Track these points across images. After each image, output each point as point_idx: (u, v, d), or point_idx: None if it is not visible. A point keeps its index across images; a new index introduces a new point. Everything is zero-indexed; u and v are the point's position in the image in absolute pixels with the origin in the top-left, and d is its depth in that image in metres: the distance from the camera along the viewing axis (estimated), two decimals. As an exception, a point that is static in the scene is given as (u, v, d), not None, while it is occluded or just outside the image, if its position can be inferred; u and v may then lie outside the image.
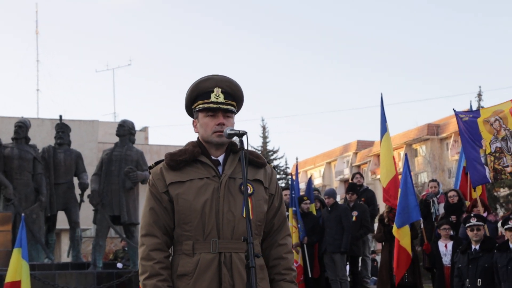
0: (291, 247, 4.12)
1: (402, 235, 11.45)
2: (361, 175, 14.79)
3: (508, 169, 10.77)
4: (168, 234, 3.93)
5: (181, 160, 3.94)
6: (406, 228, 11.47)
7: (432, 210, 12.56)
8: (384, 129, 12.57)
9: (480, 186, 12.26)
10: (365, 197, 13.65)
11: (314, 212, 13.16)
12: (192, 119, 4.13)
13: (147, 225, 3.92)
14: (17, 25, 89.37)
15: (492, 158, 10.83)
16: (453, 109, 11.45)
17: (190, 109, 4.11)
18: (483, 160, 10.92)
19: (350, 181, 14.67)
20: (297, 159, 15.38)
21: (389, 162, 12.47)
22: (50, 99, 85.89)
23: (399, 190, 11.64)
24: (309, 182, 14.39)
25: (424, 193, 13.71)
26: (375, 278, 15.50)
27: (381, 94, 12.71)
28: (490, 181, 11.22)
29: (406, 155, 13.04)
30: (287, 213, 11.20)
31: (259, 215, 3.97)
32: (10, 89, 65.92)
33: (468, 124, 11.10)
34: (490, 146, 10.83)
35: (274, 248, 4.04)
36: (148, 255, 3.86)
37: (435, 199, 12.73)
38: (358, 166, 64.90)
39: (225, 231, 3.86)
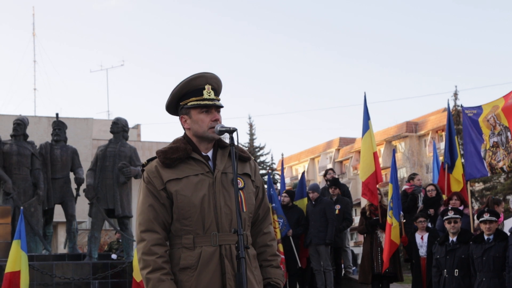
0: (274, 234, 4.29)
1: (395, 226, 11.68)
2: (333, 171, 14.96)
3: (500, 164, 10.92)
4: (166, 229, 4.00)
5: (175, 157, 4.00)
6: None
7: (419, 203, 12.88)
8: (366, 126, 12.81)
9: (462, 181, 12.63)
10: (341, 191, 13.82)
11: (304, 207, 13.26)
12: (173, 115, 4.21)
13: (147, 221, 3.97)
14: (15, 27, 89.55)
15: (490, 153, 10.99)
16: (461, 105, 11.51)
17: (175, 106, 4.15)
18: (483, 154, 11.05)
19: (323, 177, 14.78)
20: (282, 155, 15.62)
21: (369, 159, 12.68)
22: (46, 98, 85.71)
23: (391, 185, 11.85)
24: (302, 177, 14.48)
25: (405, 186, 13.88)
26: (355, 268, 15.88)
27: (364, 93, 12.92)
28: (488, 174, 11.37)
29: (394, 151, 13.27)
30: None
31: (250, 207, 4.10)
32: (8, 88, 65.95)
33: (472, 119, 11.23)
34: (489, 140, 10.96)
35: (259, 237, 4.19)
36: (150, 250, 3.92)
37: (421, 193, 13.02)
38: (341, 162, 65.35)
39: (223, 224, 3.97)
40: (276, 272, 4.17)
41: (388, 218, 11.76)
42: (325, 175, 14.70)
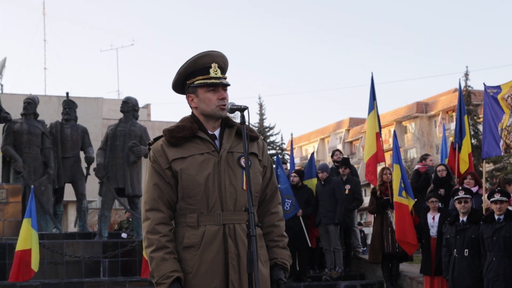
0: (282, 215, 4.28)
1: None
2: (340, 152, 14.93)
3: None
4: (171, 208, 4.01)
5: (181, 136, 3.99)
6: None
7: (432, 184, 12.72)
8: (371, 107, 12.83)
9: (468, 161, 12.65)
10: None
11: (314, 187, 13.24)
12: (180, 94, 4.20)
13: (151, 200, 3.98)
14: (25, 7, 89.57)
15: (506, 133, 10.98)
16: (483, 83, 11.47)
17: (182, 85, 4.13)
18: (499, 133, 11.04)
19: (331, 158, 14.78)
20: (292, 135, 15.65)
21: (372, 139, 12.76)
22: (57, 77, 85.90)
23: (397, 166, 11.77)
24: (312, 157, 14.39)
25: (418, 166, 13.88)
26: (364, 248, 15.87)
27: (372, 73, 12.92)
28: (502, 153, 11.36)
29: (394, 132, 13.26)
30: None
31: (256, 186, 4.07)
32: (19, 67, 66.15)
33: (493, 98, 11.19)
34: (509, 120, 10.96)
35: (267, 216, 4.17)
36: (154, 229, 3.92)
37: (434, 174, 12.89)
38: (351, 142, 65.42)
39: (228, 204, 3.96)
40: (283, 252, 4.15)
41: (401, 198, 11.70)
42: (332, 156, 14.70)
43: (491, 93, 11.29)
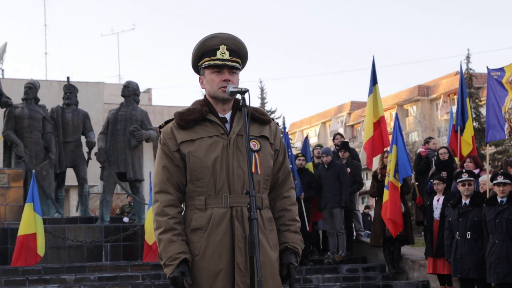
0: (295, 199, 4.24)
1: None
2: (341, 135, 14.98)
3: None
4: (180, 191, 4.02)
5: (190, 119, 4.00)
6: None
7: (433, 167, 12.74)
8: (370, 91, 12.87)
9: (472, 143, 12.62)
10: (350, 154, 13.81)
11: (312, 170, 13.30)
12: (199, 76, 4.17)
13: (160, 182, 4.00)
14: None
15: (507, 116, 10.91)
16: (487, 67, 11.46)
17: (196, 67, 4.15)
18: (504, 116, 10.96)
19: (332, 141, 14.82)
20: (284, 118, 15.63)
21: (369, 124, 12.84)
22: (58, 62, 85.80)
23: (395, 147, 11.85)
24: (305, 141, 14.51)
25: (420, 149, 13.89)
26: (368, 231, 15.87)
27: (373, 56, 12.92)
28: (506, 136, 11.30)
29: (396, 114, 13.27)
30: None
31: (267, 169, 4.04)
32: (19, 52, 66.18)
33: (497, 82, 11.12)
34: (510, 102, 10.89)
35: (279, 200, 4.14)
36: (162, 211, 3.94)
37: (435, 157, 12.92)
38: (352, 126, 65.31)
39: (235, 186, 3.94)
40: (294, 236, 4.12)
41: (394, 180, 11.78)
42: (333, 140, 14.70)
43: (495, 76, 11.20)
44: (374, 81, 12.91)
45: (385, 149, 12.77)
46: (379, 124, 12.92)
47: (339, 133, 15.29)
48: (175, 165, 4.00)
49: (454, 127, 12.70)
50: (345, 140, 14.85)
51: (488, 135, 11.33)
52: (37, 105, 14.18)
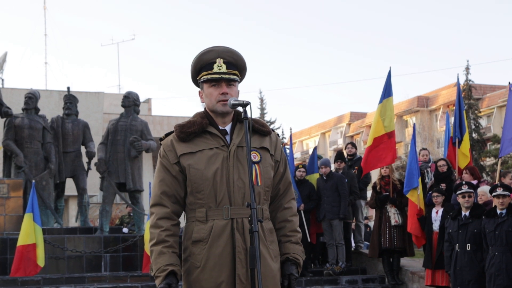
0: (296, 210, 4.24)
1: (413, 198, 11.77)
2: (353, 145, 14.94)
3: None
4: (178, 203, 4.03)
5: (190, 132, 4.00)
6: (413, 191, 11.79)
7: (426, 180, 12.79)
8: (381, 100, 12.70)
9: (469, 156, 12.62)
10: (358, 166, 13.62)
11: (315, 182, 13.22)
12: (199, 90, 4.17)
13: (156, 196, 4.01)
14: (26, 1, 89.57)
15: None
16: (509, 82, 11.43)
17: (196, 81, 4.15)
18: None
19: (344, 150, 14.78)
20: (291, 130, 15.63)
21: (371, 133, 12.79)
22: (58, 71, 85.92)
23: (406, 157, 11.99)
24: (314, 152, 14.33)
25: None
26: (367, 243, 15.81)
27: (390, 67, 12.81)
28: None
29: (414, 125, 13.18)
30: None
31: (267, 181, 4.04)
32: (20, 62, 66.27)
33: None
34: None
35: (280, 211, 4.14)
36: (156, 224, 3.96)
37: (428, 169, 12.94)
38: (351, 137, 65.26)
39: (236, 198, 3.94)
40: (295, 247, 4.12)
41: (409, 194, 11.87)
42: (345, 148, 14.67)
43: None
44: (388, 93, 12.70)
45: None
46: (388, 137, 12.69)
47: (351, 143, 15.26)
48: (173, 177, 4.01)
49: (451, 140, 12.70)
50: (339, 151, 14.81)
51: (502, 149, 11.36)
52: (37, 115, 14.15)
